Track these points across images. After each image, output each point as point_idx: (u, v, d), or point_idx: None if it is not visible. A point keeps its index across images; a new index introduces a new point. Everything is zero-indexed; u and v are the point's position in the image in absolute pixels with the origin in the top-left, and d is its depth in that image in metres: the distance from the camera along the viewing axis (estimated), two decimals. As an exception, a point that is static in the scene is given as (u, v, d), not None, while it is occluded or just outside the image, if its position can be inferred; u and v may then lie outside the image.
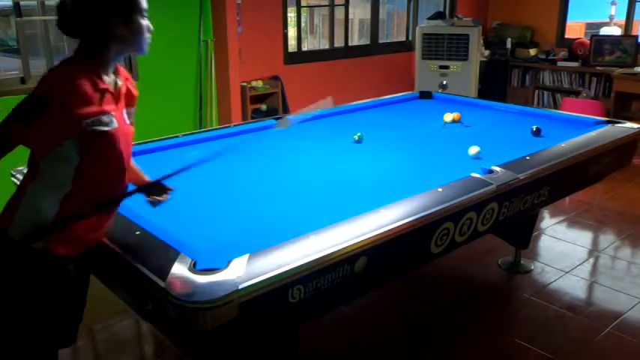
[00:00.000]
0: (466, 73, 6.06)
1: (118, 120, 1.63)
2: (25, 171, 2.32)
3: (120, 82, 1.69)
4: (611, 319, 2.89)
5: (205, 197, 2.27)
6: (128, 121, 1.73)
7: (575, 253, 3.61)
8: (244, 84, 5.22)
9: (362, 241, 1.74)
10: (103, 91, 1.60)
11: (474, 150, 2.63)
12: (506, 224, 2.55)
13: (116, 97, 1.66)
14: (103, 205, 1.67)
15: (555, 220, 4.15)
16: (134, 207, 1.98)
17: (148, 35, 1.66)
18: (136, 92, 1.79)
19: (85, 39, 1.61)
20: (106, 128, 1.58)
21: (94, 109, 1.55)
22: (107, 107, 1.60)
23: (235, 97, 5.07)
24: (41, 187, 1.61)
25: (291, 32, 5.83)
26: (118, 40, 1.61)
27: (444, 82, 6.07)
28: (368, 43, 6.60)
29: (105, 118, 1.58)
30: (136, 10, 1.62)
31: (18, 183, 2.38)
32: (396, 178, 2.46)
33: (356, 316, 2.92)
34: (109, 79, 1.64)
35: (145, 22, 1.65)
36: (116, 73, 1.69)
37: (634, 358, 2.61)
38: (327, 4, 6.13)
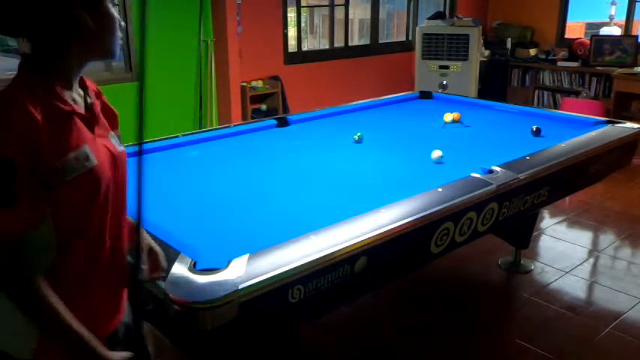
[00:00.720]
0: (466, 73, 6.06)
1: (98, 151, 1.16)
2: None
3: (90, 99, 1.22)
4: (611, 319, 2.89)
5: (205, 197, 2.27)
6: (120, 148, 1.26)
7: (575, 253, 3.61)
8: (244, 84, 5.22)
9: (362, 241, 1.74)
10: (68, 117, 1.12)
11: (436, 154, 2.61)
12: (506, 224, 2.55)
13: (90, 120, 1.19)
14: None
15: (555, 220, 4.15)
16: (134, 207, 1.98)
17: (119, 33, 1.20)
18: (115, 111, 1.32)
19: (33, 39, 1.13)
20: (79, 172, 1.10)
21: (59, 148, 1.07)
22: (80, 139, 1.12)
23: (235, 97, 5.07)
24: None
25: (291, 32, 5.83)
26: (82, 38, 1.13)
27: (444, 82, 6.07)
28: (368, 43, 6.60)
29: (80, 155, 1.11)
30: None
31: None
32: (396, 178, 2.46)
33: (356, 316, 2.92)
34: (75, 97, 1.17)
35: (116, 13, 1.19)
36: (84, 87, 1.23)
37: (634, 358, 2.61)
38: (327, 4, 6.13)
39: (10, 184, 1.01)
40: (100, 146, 1.19)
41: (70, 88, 1.16)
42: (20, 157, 1.01)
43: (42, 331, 1.13)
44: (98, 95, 1.28)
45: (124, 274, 1.29)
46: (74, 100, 1.16)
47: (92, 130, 1.18)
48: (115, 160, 1.23)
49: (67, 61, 1.15)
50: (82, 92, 1.21)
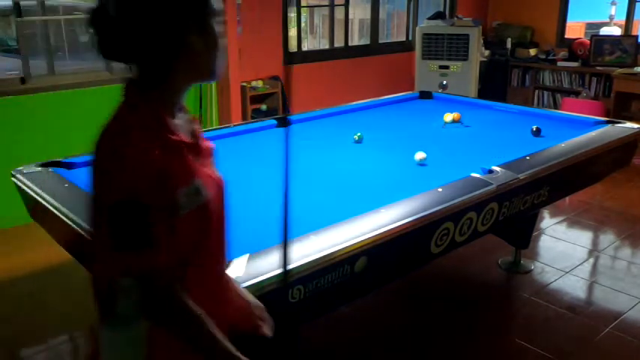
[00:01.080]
0: (466, 73, 6.06)
1: (206, 182, 1.11)
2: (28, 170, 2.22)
3: (193, 125, 1.16)
4: (611, 319, 2.89)
5: (205, 197, 2.27)
6: (220, 174, 1.21)
7: (575, 253, 3.61)
8: (244, 84, 5.22)
9: (362, 241, 1.75)
10: (178, 148, 1.06)
11: (419, 156, 2.60)
12: (506, 224, 2.55)
13: (196, 148, 1.13)
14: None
15: (555, 220, 4.14)
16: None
17: (222, 52, 1.14)
18: (209, 142, 1.23)
19: (141, 64, 1.08)
20: (191, 207, 1.05)
21: (173, 182, 1.03)
22: (190, 171, 1.07)
23: (235, 97, 5.07)
24: None
25: (291, 32, 5.82)
26: (190, 60, 1.08)
27: (444, 82, 6.07)
28: (368, 43, 6.60)
29: (191, 189, 1.06)
30: (211, 10, 1.10)
31: (19, 185, 2.38)
32: (396, 178, 2.46)
33: (356, 316, 2.92)
34: (179, 124, 1.10)
35: (220, 31, 1.13)
36: (185, 112, 1.16)
37: (634, 358, 2.61)
38: (327, 4, 6.13)
39: (146, 224, 0.98)
40: (207, 177, 1.12)
41: (173, 115, 1.09)
42: (147, 195, 0.98)
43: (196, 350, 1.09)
44: (194, 120, 1.20)
45: (228, 306, 1.27)
46: (179, 128, 1.09)
47: (198, 159, 1.11)
48: (219, 188, 1.17)
49: (174, 85, 1.09)
50: (185, 117, 1.14)
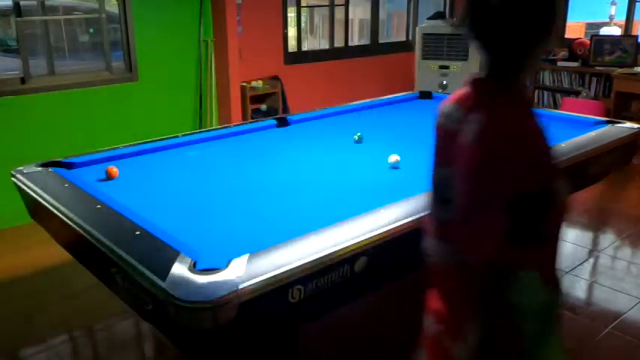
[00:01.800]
0: (466, 73, 6.05)
1: None
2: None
3: None
4: (611, 319, 2.89)
5: (205, 197, 2.27)
6: None
7: (575, 253, 3.61)
8: (244, 84, 5.22)
9: (362, 241, 1.75)
10: (543, 132, 1.18)
11: (393, 158, 2.58)
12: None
13: None
14: None
15: (555, 220, 4.14)
16: (134, 207, 1.98)
17: None
18: None
19: (507, 54, 1.14)
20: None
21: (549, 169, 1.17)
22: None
23: (235, 97, 5.07)
24: None
25: (291, 32, 5.83)
26: (540, 53, 1.16)
27: (444, 82, 6.07)
28: (368, 43, 6.60)
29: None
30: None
31: (19, 185, 2.38)
32: (396, 178, 2.46)
33: (356, 316, 2.92)
34: None
35: None
36: None
37: (634, 358, 2.61)
38: (327, 4, 6.13)
39: (542, 217, 1.09)
40: None
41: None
42: (546, 181, 1.09)
43: None
44: None
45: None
46: None
47: None
48: None
49: (525, 75, 1.16)
50: None
